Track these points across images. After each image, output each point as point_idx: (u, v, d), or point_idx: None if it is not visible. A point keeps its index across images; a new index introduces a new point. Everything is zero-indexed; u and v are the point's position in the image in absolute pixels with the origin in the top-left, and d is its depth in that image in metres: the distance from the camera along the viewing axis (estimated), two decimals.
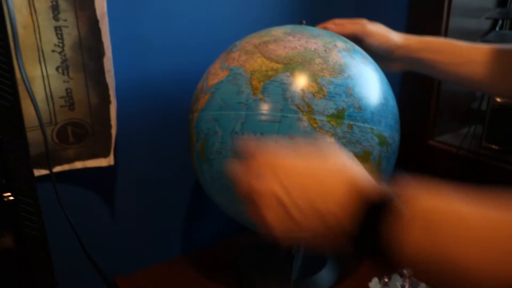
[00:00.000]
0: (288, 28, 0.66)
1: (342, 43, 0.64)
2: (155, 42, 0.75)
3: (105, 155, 0.73)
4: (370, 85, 0.62)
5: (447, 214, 0.38)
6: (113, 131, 0.72)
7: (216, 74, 0.64)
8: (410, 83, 0.96)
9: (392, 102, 0.65)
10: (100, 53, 0.68)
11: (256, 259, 0.82)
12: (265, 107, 0.58)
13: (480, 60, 0.66)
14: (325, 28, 0.73)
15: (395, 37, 0.71)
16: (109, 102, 0.70)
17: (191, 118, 0.66)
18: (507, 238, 0.34)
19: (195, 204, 0.90)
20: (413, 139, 0.95)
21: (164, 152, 0.82)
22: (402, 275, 0.73)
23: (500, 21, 0.98)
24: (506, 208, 0.36)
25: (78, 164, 0.71)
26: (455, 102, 0.99)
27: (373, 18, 0.74)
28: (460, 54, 0.68)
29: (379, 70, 0.66)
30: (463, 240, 0.36)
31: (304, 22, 0.72)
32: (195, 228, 0.92)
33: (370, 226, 0.39)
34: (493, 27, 0.99)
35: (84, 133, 0.70)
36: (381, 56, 0.71)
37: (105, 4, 0.65)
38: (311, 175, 0.43)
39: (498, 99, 0.86)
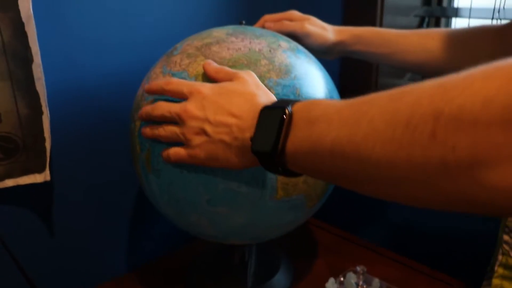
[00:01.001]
0: (229, 28, 0.64)
1: (285, 43, 0.63)
2: (89, 44, 0.71)
3: (40, 170, 0.67)
4: (316, 84, 0.62)
5: (320, 103, 0.42)
6: (48, 143, 0.66)
7: (158, 79, 0.61)
8: (349, 79, 0.98)
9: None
10: (28, 59, 0.62)
11: (209, 269, 0.79)
12: None
13: (407, 49, 0.73)
14: (263, 27, 0.73)
15: (331, 36, 0.74)
16: (41, 112, 0.65)
17: (133, 127, 0.62)
18: (367, 110, 0.35)
19: (139, 216, 0.85)
20: None
21: (105, 163, 0.77)
22: (355, 272, 0.74)
23: (426, 19, 1.04)
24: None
25: (10, 182, 0.65)
26: None
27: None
28: (389, 45, 0.74)
29: (323, 68, 0.66)
30: (333, 122, 0.38)
31: (243, 22, 0.71)
32: (142, 242, 0.88)
33: (264, 129, 0.44)
34: (421, 24, 1.04)
35: (14, 147, 0.64)
36: (319, 52, 0.74)
37: (30, 5, 0.60)
38: (223, 93, 0.50)
39: None
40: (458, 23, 1.03)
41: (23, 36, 0.61)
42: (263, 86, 0.53)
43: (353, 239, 0.91)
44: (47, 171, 0.67)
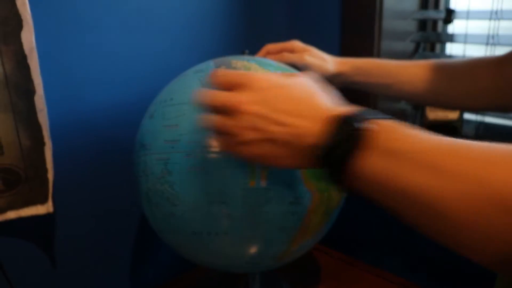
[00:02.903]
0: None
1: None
2: (91, 75, 0.71)
3: (43, 201, 0.66)
4: None
5: (403, 134, 0.39)
6: (50, 174, 0.66)
7: None
8: (347, 101, 0.98)
9: None
10: (30, 91, 0.62)
11: None
12: None
13: (406, 80, 0.73)
14: (265, 57, 0.73)
15: (331, 67, 0.74)
16: (43, 143, 0.64)
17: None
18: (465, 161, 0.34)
19: (140, 244, 0.84)
20: None
21: (108, 193, 0.77)
22: None
23: (422, 44, 1.05)
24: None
25: (11, 214, 0.64)
26: None
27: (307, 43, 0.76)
28: (389, 76, 0.74)
29: None
30: (415, 164, 0.36)
31: (247, 51, 0.71)
32: (143, 270, 0.86)
33: (335, 143, 0.40)
34: (416, 48, 1.05)
35: (16, 179, 0.64)
36: None
37: (33, 38, 0.60)
38: (285, 87, 0.45)
39: (430, 117, 0.91)
40: (453, 49, 1.05)
41: (26, 68, 0.61)
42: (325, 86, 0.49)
43: (358, 264, 0.91)
44: (50, 203, 0.67)
